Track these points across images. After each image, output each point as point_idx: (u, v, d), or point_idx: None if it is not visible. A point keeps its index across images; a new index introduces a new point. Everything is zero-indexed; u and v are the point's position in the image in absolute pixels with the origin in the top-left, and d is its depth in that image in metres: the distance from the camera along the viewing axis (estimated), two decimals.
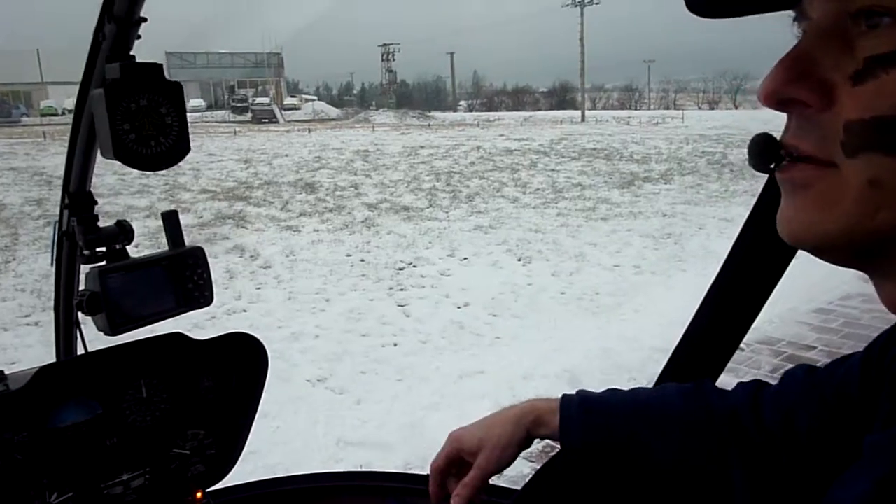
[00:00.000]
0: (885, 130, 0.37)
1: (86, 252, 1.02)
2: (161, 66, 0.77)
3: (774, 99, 0.42)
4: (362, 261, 7.99)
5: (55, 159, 17.39)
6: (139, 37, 0.75)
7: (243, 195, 12.54)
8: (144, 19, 0.72)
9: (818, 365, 0.77)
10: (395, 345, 5.29)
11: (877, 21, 0.37)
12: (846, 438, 0.65)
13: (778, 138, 0.44)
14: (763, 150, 0.44)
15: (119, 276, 0.98)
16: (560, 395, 0.89)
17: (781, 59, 0.42)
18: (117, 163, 0.79)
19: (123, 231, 1.02)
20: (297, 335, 5.47)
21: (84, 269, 1.05)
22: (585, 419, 0.84)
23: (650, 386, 0.95)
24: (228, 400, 1.17)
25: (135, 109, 0.75)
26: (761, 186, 0.92)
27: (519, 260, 7.94)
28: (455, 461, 0.89)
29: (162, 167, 0.77)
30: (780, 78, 0.41)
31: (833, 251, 0.42)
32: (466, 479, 0.86)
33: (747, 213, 0.95)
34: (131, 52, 0.76)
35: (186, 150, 0.80)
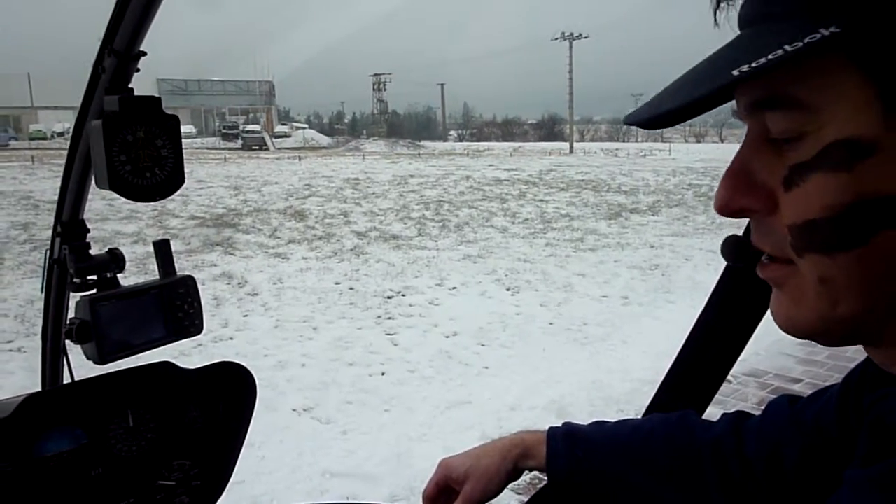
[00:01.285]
0: (816, 232, 0.40)
1: (76, 280, 1.02)
2: (159, 99, 0.79)
3: (728, 210, 0.45)
4: (351, 289, 7.97)
5: (43, 184, 17.31)
6: (138, 70, 0.76)
7: (232, 222, 12.52)
8: (144, 53, 0.74)
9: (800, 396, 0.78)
10: (383, 374, 5.25)
11: (789, 136, 0.41)
12: (826, 471, 0.66)
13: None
14: (736, 251, 0.50)
15: (110, 305, 0.98)
16: (547, 428, 0.89)
17: (725, 174, 0.45)
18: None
19: (115, 259, 1.03)
20: (283, 363, 5.43)
21: (74, 296, 1.05)
22: (571, 452, 0.84)
23: (635, 417, 0.96)
24: (216, 430, 1.16)
25: (131, 141, 0.76)
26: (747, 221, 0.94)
27: (507, 290, 7.95)
28: (444, 489, 0.90)
29: (156, 198, 0.78)
30: (729, 190, 0.45)
31: (819, 338, 0.45)
32: None
33: None
34: (130, 85, 0.78)
35: (181, 181, 0.81)
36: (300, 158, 33.17)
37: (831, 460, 0.65)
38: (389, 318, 6.80)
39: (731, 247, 0.50)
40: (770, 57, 0.36)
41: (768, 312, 0.98)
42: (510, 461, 0.87)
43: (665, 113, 0.43)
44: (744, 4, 0.45)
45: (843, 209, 0.38)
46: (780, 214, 0.42)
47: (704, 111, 0.46)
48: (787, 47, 0.36)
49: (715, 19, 0.48)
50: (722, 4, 0.47)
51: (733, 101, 0.46)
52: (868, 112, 0.37)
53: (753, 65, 0.37)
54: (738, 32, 0.45)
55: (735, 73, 0.37)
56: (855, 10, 0.36)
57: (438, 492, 0.90)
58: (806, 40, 0.36)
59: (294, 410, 4.51)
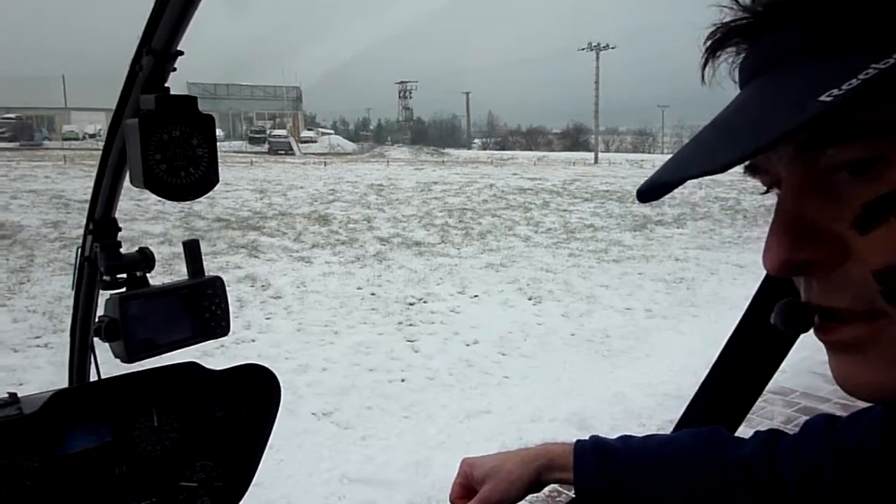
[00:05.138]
0: None
1: (106, 278, 1.02)
2: (195, 98, 0.79)
3: (788, 268, 0.40)
4: (373, 294, 7.99)
5: (74, 183, 17.65)
6: (175, 69, 0.77)
7: (257, 225, 12.63)
8: (181, 53, 0.74)
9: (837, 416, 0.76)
10: (403, 380, 5.25)
11: (861, 169, 0.37)
12: (868, 494, 0.64)
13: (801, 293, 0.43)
14: (795, 316, 0.43)
15: (139, 304, 0.98)
16: (573, 441, 0.88)
17: (775, 228, 0.40)
18: (134, 188, 0.81)
19: (145, 258, 1.03)
20: (304, 367, 5.45)
21: (103, 294, 1.06)
22: (599, 466, 0.83)
23: (661, 433, 0.94)
24: (239, 432, 1.16)
25: (167, 140, 0.76)
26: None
27: (529, 299, 7.91)
28: (470, 490, 0.89)
29: (190, 198, 0.78)
30: (786, 246, 0.39)
31: None
32: None
33: (760, 260, 0.95)
34: (166, 84, 0.78)
35: (215, 181, 0.81)
36: (325, 164, 33.44)
37: (874, 484, 0.62)
38: (410, 325, 6.80)
39: (792, 312, 0.43)
40: (862, 77, 0.32)
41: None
42: (533, 471, 0.86)
43: (702, 173, 0.36)
44: (761, 47, 0.41)
45: None
46: (857, 261, 0.37)
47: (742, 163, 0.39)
48: (877, 66, 0.32)
49: (703, 76, 0.45)
50: (713, 58, 0.43)
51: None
52: None
53: (844, 87, 0.32)
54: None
55: (825, 98, 0.32)
56: None
57: (464, 493, 0.90)
58: (894, 56, 0.32)
59: (314, 414, 4.52)
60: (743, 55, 0.44)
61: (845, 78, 0.33)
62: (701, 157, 0.38)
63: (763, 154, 0.38)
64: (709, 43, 0.44)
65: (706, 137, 0.40)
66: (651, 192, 0.41)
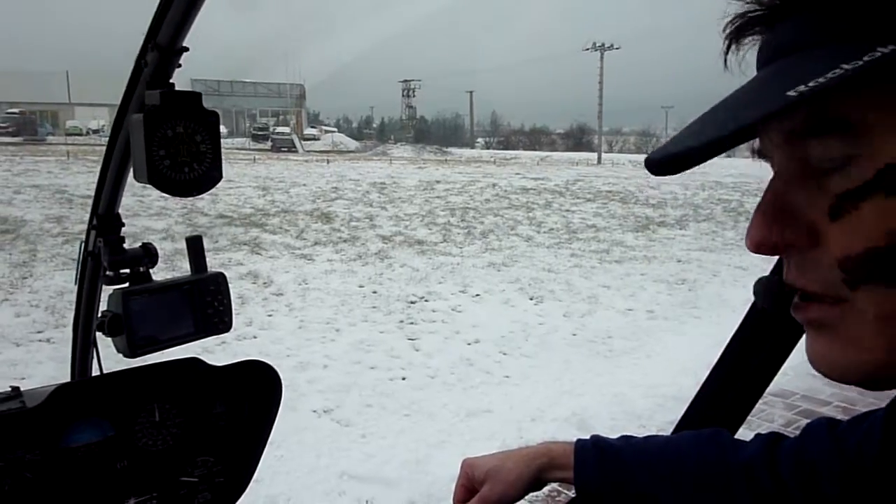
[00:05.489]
0: (880, 261, 0.37)
1: (109, 273, 1.02)
2: (199, 94, 0.79)
3: (765, 247, 0.42)
4: (374, 292, 8.00)
5: (77, 178, 17.67)
6: (179, 65, 0.77)
7: (259, 222, 12.64)
8: (186, 49, 0.74)
9: (839, 419, 0.76)
10: (404, 379, 5.25)
11: (837, 162, 0.39)
12: (869, 498, 0.64)
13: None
14: (772, 293, 0.46)
15: (141, 299, 0.98)
16: (574, 440, 0.88)
17: (759, 208, 0.43)
18: (137, 184, 0.81)
19: (148, 254, 1.03)
20: (305, 364, 5.45)
21: (106, 289, 1.06)
22: (600, 465, 0.83)
23: (661, 433, 0.94)
24: (240, 428, 1.16)
25: (171, 136, 0.76)
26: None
27: (531, 299, 7.91)
28: (472, 490, 0.89)
29: (193, 194, 0.79)
30: (764, 226, 0.42)
31: (871, 384, 0.41)
32: None
33: (762, 262, 0.95)
34: (171, 80, 0.78)
35: (219, 177, 0.81)
36: (328, 161, 33.45)
37: (875, 488, 0.62)
38: (412, 323, 6.81)
39: (767, 288, 0.46)
40: (830, 76, 0.34)
41: (802, 334, 0.96)
42: (534, 470, 0.86)
43: (686, 150, 0.39)
44: (773, 36, 0.43)
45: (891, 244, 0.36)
46: (826, 247, 0.40)
47: (731, 146, 0.42)
48: (846, 66, 0.34)
49: (725, 62, 0.46)
50: (735, 44, 0.45)
51: (751, 141, 0.45)
52: None
53: (811, 84, 0.34)
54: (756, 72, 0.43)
55: (792, 93, 0.35)
56: None
57: (467, 494, 0.89)
58: (865, 58, 0.34)
59: (314, 411, 4.53)
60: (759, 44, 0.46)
61: (815, 75, 0.35)
62: (694, 134, 0.40)
63: (761, 137, 0.44)
64: (729, 31, 0.45)
65: (708, 115, 0.42)
66: (661, 163, 0.41)
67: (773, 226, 0.42)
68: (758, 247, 0.43)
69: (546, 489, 0.91)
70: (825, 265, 0.40)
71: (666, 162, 0.40)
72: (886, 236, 0.37)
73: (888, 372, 0.40)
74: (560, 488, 3.10)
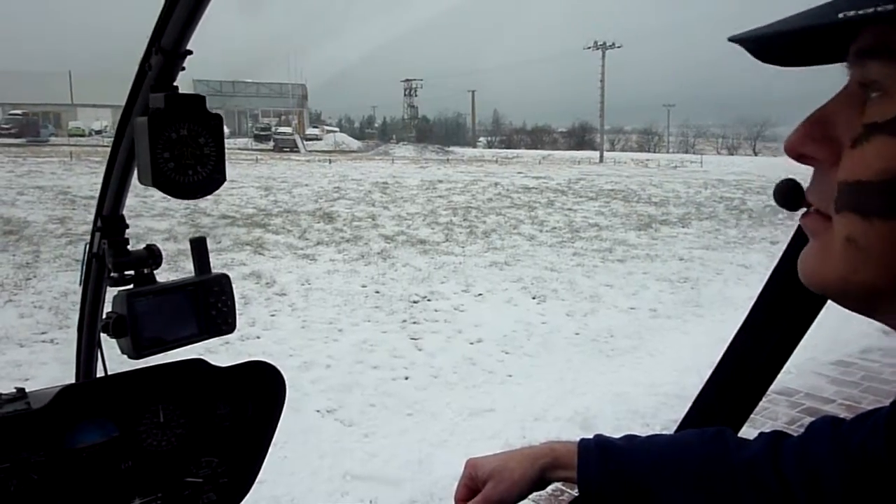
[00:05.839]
0: (863, 193, 0.40)
1: (114, 274, 1.03)
2: (203, 98, 0.79)
3: (794, 153, 0.46)
4: (377, 292, 8.00)
5: (80, 179, 17.72)
6: (183, 68, 0.77)
7: (262, 222, 12.66)
8: (190, 52, 0.75)
9: (842, 417, 0.76)
10: (407, 378, 5.26)
11: (878, 91, 0.40)
12: (873, 497, 0.64)
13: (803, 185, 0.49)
14: (787, 195, 0.50)
15: (146, 301, 0.99)
16: (578, 439, 0.88)
17: (806, 119, 0.46)
18: (140, 185, 0.81)
19: (152, 255, 1.04)
20: (308, 364, 5.46)
21: (111, 291, 1.06)
22: (603, 465, 0.83)
23: (665, 433, 0.94)
24: (244, 428, 1.16)
25: (175, 139, 0.77)
26: (781, 234, 0.92)
27: (534, 298, 7.91)
28: (475, 490, 0.89)
29: (198, 196, 0.79)
30: (800, 135, 0.45)
31: (836, 298, 0.45)
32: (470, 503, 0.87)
33: (765, 260, 0.95)
34: (175, 83, 0.78)
35: (222, 180, 0.82)
36: (330, 161, 33.48)
37: (879, 487, 0.62)
38: (414, 323, 6.81)
39: (783, 191, 0.50)
40: (879, 9, 0.36)
41: (805, 332, 0.96)
42: (537, 469, 0.86)
43: (773, 34, 0.42)
44: None
45: (887, 178, 0.39)
46: (838, 170, 0.42)
47: (814, 54, 0.45)
48: (858, 11, 0.36)
49: None
50: None
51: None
52: None
53: (860, 12, 0.37)
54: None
55: (840, 15, 0.37)
56: None
57: (469, 493, 0.90)
58: (872, 9, 0.36)
59: (317, 411, 4.54)
60: None
61: (869, 4, 0.37)
62: (781, 22, 0.43)
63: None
64: None
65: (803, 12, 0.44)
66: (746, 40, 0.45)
67: (807, 139, 0.45)
68: (789, 151, 0.46)
69: (549, 488, 0.91)
70: (830, 184, 0.43)
71: (751, 38, 0.44)
72: (877, 173, 0.39)
73: (847, 290, 0.43)
74: (563, 487, 3.10)
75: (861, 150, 0.40)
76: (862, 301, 0.43)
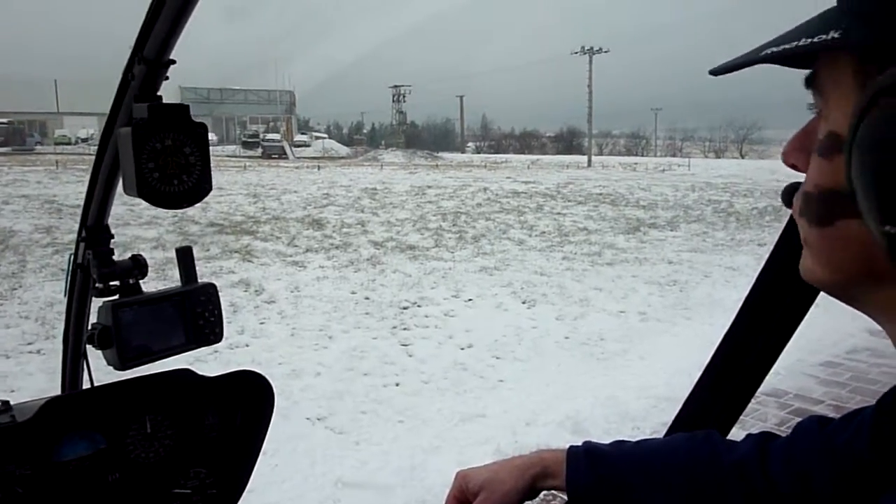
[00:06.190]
0: (806, 203, 0.48)
1: (99, 285, 1.02)
2: (188, 107, 0.79)
3: (786, 162, 0.53)
4: (367, 299, 7.98)
5: (66, 188, 17.58)
6: (167, 78, 0.77)
7: (251, 229, 12.61)
8: (173, 61, 0.74)
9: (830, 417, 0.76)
10: (397, 385, 5.24)
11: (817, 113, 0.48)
12: (859, 496, 0.64)
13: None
14: (790, 196, 0.55)
15: (131, 311, 0.98)
16: (567, 447, 0.88)
17: (798, 132, 0.52)
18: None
19: (138, 265, 1.03)
20: (298, 372, 5.43)
21: (96, 301, 1.05)
22: (592, 472, 0.83)
23: (656, 436, 0.95)
24: (233, 438, 1.15)
25: (160, 149, 0.76)
26: (768, 236, 0.93)
27: (524, 303, 7.92)
28: (463, 502, 0.89)
29: (183, 206, 0.79)
30: (789, 146, 0.52)
31: (821, 288, 0.51)
32: None
33: (753, 262, 0.96)
34: (158, 93, 0.78)
35: (208, 189, 0.81)
36: (319, 168, 33.40)
37: (865, 486, 0.63)
38: (405, 329, 6.80)
39: (789, 192, 0.55)
40: (790, 45, 0.44)
41: (793, 333, 0.96)
42: (527, 479, 0.86)
43: (744, 63, 0.49)
44: None
45: (820, 191, 0.46)
46: None
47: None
48: (804, 41, 0.44)
49: None
50: None
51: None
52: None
53: (777, 49, 0.45)
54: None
55: (763, 53, 0.46)
56: (857, 22, 0.42)
57: None
58: (815, 39, 0.43)
59: (308, 419, 4.51)
60: None
61: (786, 42, 0.45)
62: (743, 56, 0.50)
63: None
64: None
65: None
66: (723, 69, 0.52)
67: (793, 150, 0.52)
68: (783, 160, 0.53)
69: (541, 495, 0.91)
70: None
71: (728, 68, 0.51)
72: (813, 186, 0.46)
73: (820, 286, 0.50)
74: (554, 494, 3.10)
75: (812, 163, 0.47)
76: (835, 295, 0.50)
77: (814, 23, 0.45)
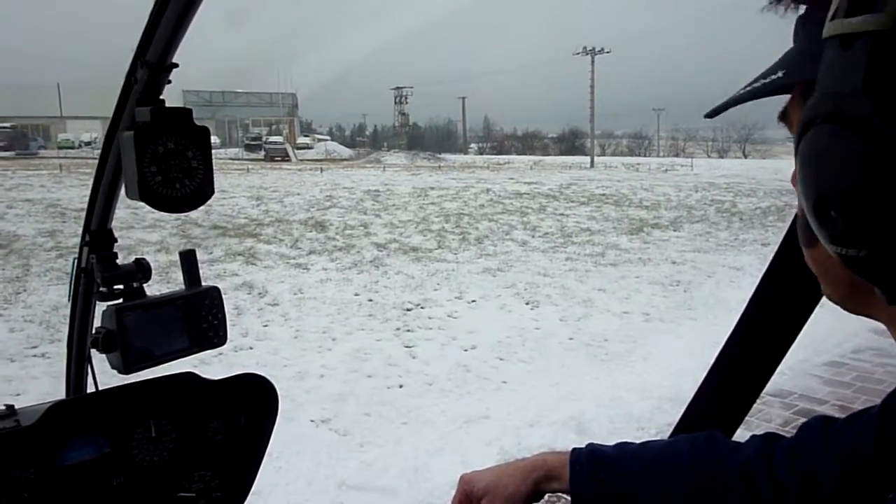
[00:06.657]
0: (798, 225, 0.50)
1: (103, 289, 1.02)
2: (190, 111, 0.79)
3: (793, 184, 0.53)
4: (370, 300, 7.98)
5: (70, 192, 17.62)
6: (169, 81, 0.77)
7: (254, 232, 12.62)
8: (176, 65, 0.74)
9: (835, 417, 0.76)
10: (401, 386, 5.24)
11: None
12: (865, 496, 0.64)
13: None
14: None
15: (135, 315, 0.98)
16: (570, 449, 0.88)
17: None
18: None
19: (141, 269, 1.03)
20: (302, 374, 5.43)
21: (100, 305, 1.05)
22: (595, 474, 0.83)
23: (660, 437, 0.94)
24: (237, 442, 1.15)
25: (162, 152, 0.76)
26: (771, 235, 0.93)
27: (527, 304, 7.91)
28: None
29: (185, 210, 0.79)
30: (794, 174, 0.53)
31: (837, 305, 0.52)
32: None
33: (757, 262, 0.96)
34: (161, 97, 0.78)
35: (210, 193, 0.82)
36: (322, 170, 33.40)
37: (871, 486, 0.63)
38: (408, 331, 6.80)
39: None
40: (758, 84, 0.49)
41: (798, 333, 0.96)
42: (531, 483, 0.86)
43: (735, 101, 0.52)
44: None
45: (802, 215, 0.47)
46: None
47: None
48: (760, 82, 0.48)
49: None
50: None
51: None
52: None
53: (745, 90, 0.50)
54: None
55: (740, 93, 0.50)
56: (803, 59, 0.46)
57: None
58: (767, 79, 0.48)
59: (312, 421, 4.51)
60: None
61: (755, 82, 0.49)
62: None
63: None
64: None
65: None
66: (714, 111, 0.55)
67: (792, 175, 0.52)
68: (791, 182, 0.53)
69: (545, 497, 0.91)
70: None
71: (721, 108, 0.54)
72: (801, 210, 0.47)
73: (844, 304, 0.50)
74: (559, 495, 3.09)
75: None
76: (848, 309, 0.50)
77: (775, 63, 0.50)
